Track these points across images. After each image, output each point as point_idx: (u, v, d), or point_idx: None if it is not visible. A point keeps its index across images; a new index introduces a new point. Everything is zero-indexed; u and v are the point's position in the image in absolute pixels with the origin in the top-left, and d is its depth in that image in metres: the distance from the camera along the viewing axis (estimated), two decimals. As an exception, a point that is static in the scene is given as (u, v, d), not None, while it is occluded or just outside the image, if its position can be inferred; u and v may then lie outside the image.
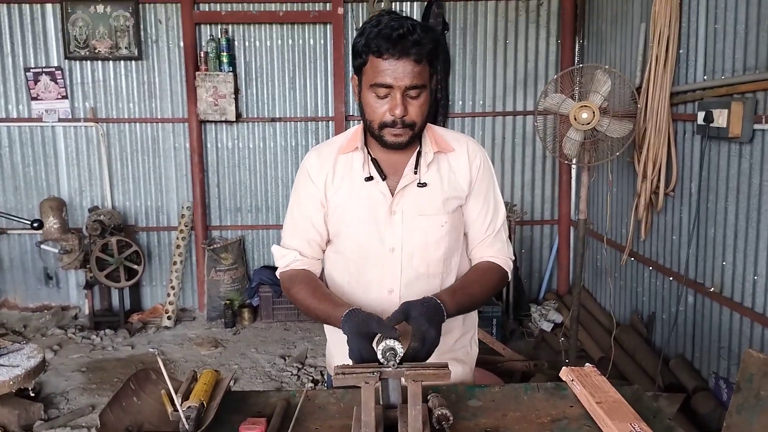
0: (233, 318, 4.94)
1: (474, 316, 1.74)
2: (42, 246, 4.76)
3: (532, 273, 5.37)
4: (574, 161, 3.31)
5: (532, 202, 5.25)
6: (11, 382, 1.93)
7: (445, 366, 1.22)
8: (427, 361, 1.30)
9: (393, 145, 1.48)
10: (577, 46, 4.95)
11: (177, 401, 1.23)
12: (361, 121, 1.55)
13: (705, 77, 3.10)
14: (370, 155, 1.55)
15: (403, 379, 1.24)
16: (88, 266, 4.79)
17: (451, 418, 1.26)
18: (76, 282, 5.26)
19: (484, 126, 5.12)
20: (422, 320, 1.32)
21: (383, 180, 1.53)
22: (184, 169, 5.14)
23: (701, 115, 2.93)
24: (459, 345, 1.68)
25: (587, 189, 3.29)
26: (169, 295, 5.00)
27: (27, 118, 5.00)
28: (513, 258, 1.67)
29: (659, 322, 3.73)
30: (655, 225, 3.69)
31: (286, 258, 1.61)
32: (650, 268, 3.80)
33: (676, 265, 3.49)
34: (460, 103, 5.09)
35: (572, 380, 1.44)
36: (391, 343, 1.25)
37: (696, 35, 3.17)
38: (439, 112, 4.91)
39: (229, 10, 4.89)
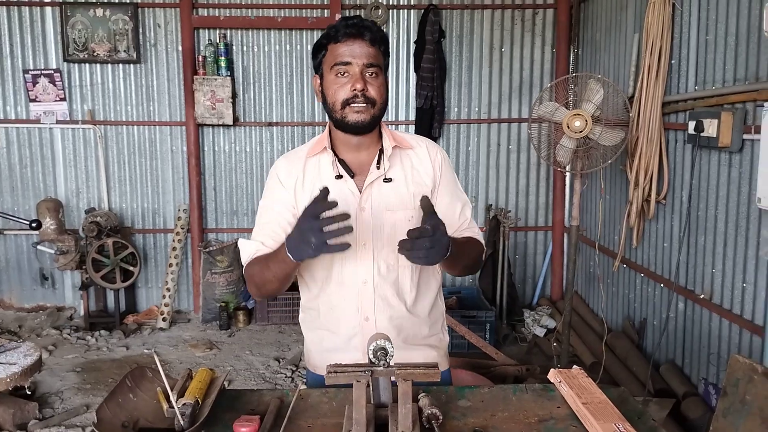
0: (228, 320, 4.97)
1: (441, 306, 1.80)
2: (38, 247, 4.78)
3: (526, 279, 5.41)
4: (567, 168, 3.36)
5: (527, 209, 5.30)
6: (8, 380, 1.96)
7: (435, 366, 1.26)
8: (417, 362, 1.33)
9: (356, 124, 1.56)
10: (572, 55, 5.01)
11: (173, 398, 1.26)
12: (327, 126, 1.68)
13: (696, 87, 3.15)
14: (337, 156, 1.63)
15: (393, 378, 1.28)
16: (83, 267, 4.81)
17: (441, 417, 1.30)
18: (72, 283, 5.27)
19: (479, 133, 5.17)
20: (442, 222, 1.41)
21: (351, 178, 1.61)
22: (181, 172, 5.17)
23: (692, 125, 2.98)
24: (431, 332, 1.74)
25: (580, 196, 3.34)
26: (164, 296, 5.02)
27: (25, 119, 5.03)
28: (483, 244, 1.78)
29: (650, 328, 3.77)
30: (647, 232, 3.74)
31: (249, 249, 1.64)
32: (642, 275, 3.85)
33: (667, 272, 3.53)
34: (456, 110, 5.14)
35: (560, 382, 1.48)
36: (381, 343, 1.28)
37: (687, 46, 3.22)
38: (434, 118, 4.95)
39: (228, 15, 4.93)
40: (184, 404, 1.31)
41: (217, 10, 4.94)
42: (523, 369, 3.86)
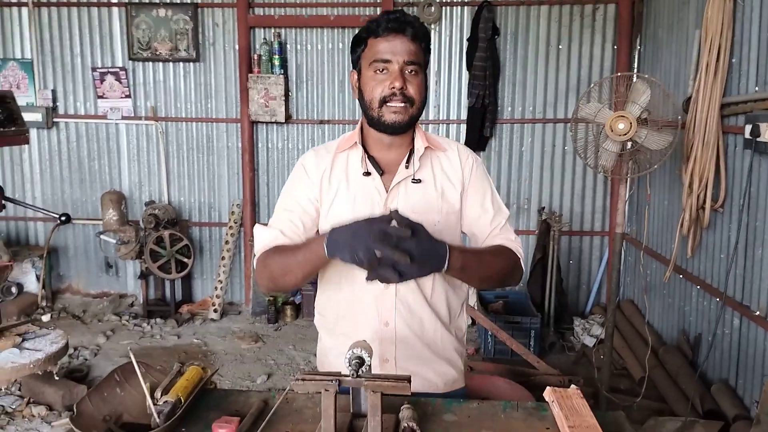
0: (276, 314, 5.06)
1: (465, 318, 1.73)
2: (102, 236, 5.03)
3: (580, 285, 5.22)
4: (609, 173, 3.20)
5: (582, 212, 5.10)
6: (31, 365, 2.08)
7: (407, 379, 1.22)
8: (390, 373, 1.30)
9: (393, 124, 1.52)
10: (635, 52, 4.77)
11: (148, 395, 1.28)
12: (358, 122, 1.64)
13: (757, 88, 2.93)
14: (368, 153, 1.60)
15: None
16: (143, 257, 5.03)
17: (417, 432, 1.26)
18: (134, 272, 5.52)
19: (534, 133, 5.02)
20: (423, 238, 1.28)
21: (380, 175, 1.57)
22: (236, 168, 5.30)
23: (748, 129, 2.77)
24: (454, 345, 1.68)
25: (625, 202, 3.17)
26: (216, 288, 5.18)
27: (93, 115, 5.30)
28: (522, 254, 1.64)
29: (705, 344, 3.55)
30: (704, 242, 3.51)
31: (266, 236, 1.57)
32: (698, 287, 3.62)
33: (723, 285, 3.31)
34: (509, 109, 5.01)
35: (553, 401, 1.40)
36: (359, 351, 1.25)
37: (749, 44, 2.99)
38: (486, 118, 4.84)
39: (283, 14, 5.01)
40: (165, 402, 1.33)
41: (272, 9, 5.03)
42: (565, 380, 3.72)
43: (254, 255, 1.61)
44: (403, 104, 1.50)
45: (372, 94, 1.52)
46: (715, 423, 2.95)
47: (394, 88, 1.49)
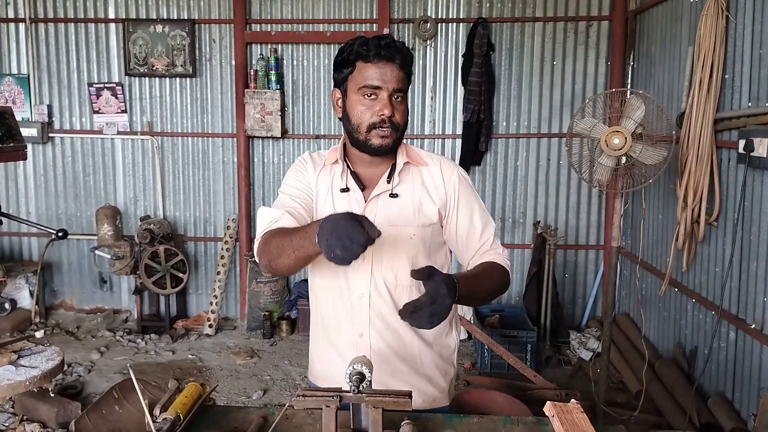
0: (272, 329, 5.04)
1: (453, 336, 1.74)
2: (96, 252, 5.01)
3: (576, 299, 5.22)
4: (605, 187, 3.22)
5: (577, 226, 5.12)
6: (27, 383, 2.06)
7: (408, 394, 1.22)
8: (391, 387, 1.30)
9: (379, 147, 1.55)
10: (629, 68, 4.82)
11: (147, 413, 1.28)
12: (341, 138, 1.67)
13: (749, 104, 2.96)
14: (350, 168, 1.63)
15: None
16: (138, 272, 5.01)
17: (417, 448, 1.26)
18: (128, 287, 5.49)
19: (529, 147, 5.05)
20: (441, 284, 1.27)
21: (362, 191, 1.61)
22: (232, 183, 5.30)
23: (742, 144, 2.80)
24: (435, 361, 1.68)
25: (620, 216, 3.19)
26: (211, 303, 5.15)
27: (89, 130, 5.30)
28: (509, 266, 1.67)
29: (701, 358, 3.55)
30: (699, 256, 3.53)
31: (271, 215, 1.55)
32: (693, 300, 3.64)
33: (718, 298, 3.32)
34: (504, 124, 5.04)
35: (553, 416, 1.40)
36: (359, 367, 1.25)
37: (741, 60, 3.03)
38: (481, 132, 4.87)
39: (279, 30, 5.05)
40: (164, 419, 1.33)
41: (268, 25, 5.06)
42: (562, 393, 3.71)
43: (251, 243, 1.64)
44: (390, 130, 1.53)
45: (360, 119, 1.54)
46: (712, 437, 2.96)
47: (383, 115, 1.52)
